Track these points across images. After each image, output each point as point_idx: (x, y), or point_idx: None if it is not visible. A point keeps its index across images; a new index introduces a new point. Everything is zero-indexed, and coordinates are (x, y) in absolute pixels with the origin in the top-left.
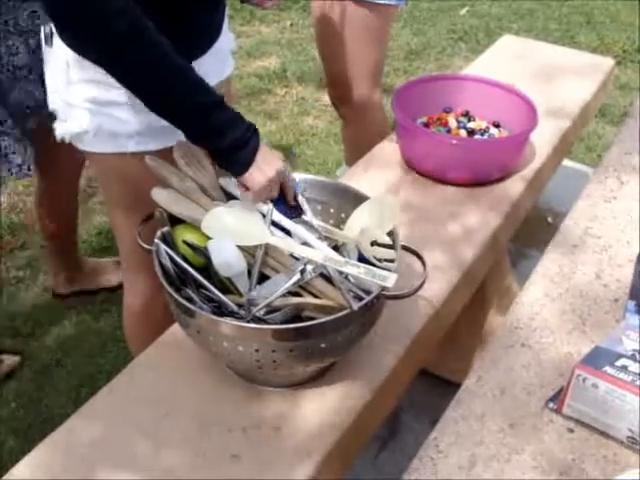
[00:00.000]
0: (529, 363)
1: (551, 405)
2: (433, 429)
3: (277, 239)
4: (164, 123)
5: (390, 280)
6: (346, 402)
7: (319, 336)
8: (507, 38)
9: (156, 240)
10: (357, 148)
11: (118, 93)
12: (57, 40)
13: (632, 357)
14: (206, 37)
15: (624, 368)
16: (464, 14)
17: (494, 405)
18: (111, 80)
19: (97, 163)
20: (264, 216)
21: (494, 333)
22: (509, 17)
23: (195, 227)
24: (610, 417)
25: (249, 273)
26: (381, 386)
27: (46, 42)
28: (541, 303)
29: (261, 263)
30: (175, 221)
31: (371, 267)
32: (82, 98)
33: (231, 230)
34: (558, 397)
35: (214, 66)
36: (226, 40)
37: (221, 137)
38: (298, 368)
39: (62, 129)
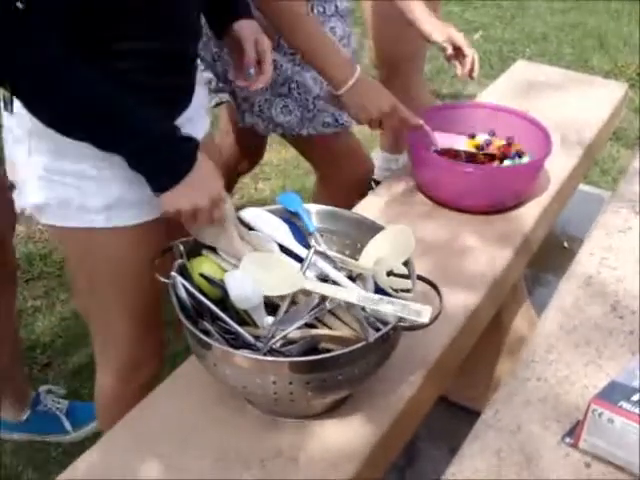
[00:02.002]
0: (545, 397)
1: (567, 440)
2: (450, 461)
3: (313, 284)
4: (137, 196)
5: (425, 315)
6: (363, 433)
7: (336, 368)
8: (520, 64)
9: (173, 273)
10: None
11: (88, 165)
12: (19, 107)
13: None
14: (175, 105)
15: None
16: (477, 39)
17: (511, 439)
18: (81, 152)
19: (61, 237)
20: (280, 246)
21: (511, 361)
22: (522, 41)
23: (211, 259)
24: (627, 452)
25: (266, 305)
26: (398, 416)
27: (5, 108)
28: (557, 336)
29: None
30: (190, 254)
31: (405, 302)
32: (45, 169)
33: (266, 280)
34: (574, 431)
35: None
36: (198, 102)
37: (139, 134)
38: (315, 400)
39: (22, 200)
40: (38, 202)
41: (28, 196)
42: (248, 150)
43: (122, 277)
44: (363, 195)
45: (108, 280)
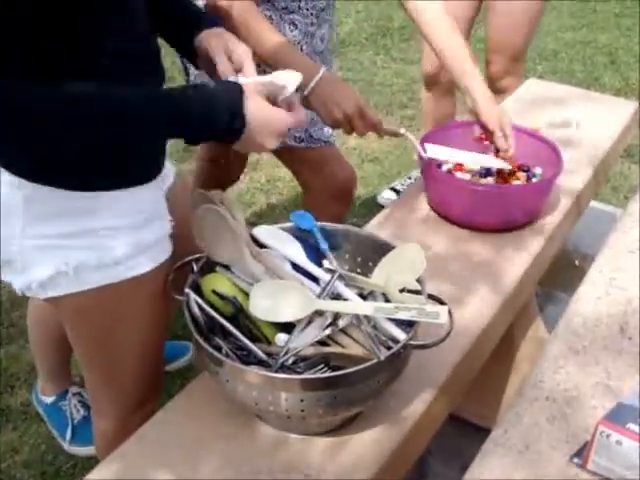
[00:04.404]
0: (554, 417)
1: (576, 460)
2: (461, 478)
3: (326, 303)
4: (153, 238)
5: (443, 316)
6: (374, 449)
7: (347, 386)
8: (532, 81)
9: (187, 289)
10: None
11: (97, 219)
12: (5, 174)
13: None
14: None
15: None
16: None
17: (519, 460)
18: (87, 207)
19: (74, 305)
20: (293, 264)
21: (522, 379)
22: (533, 59)
23: (224, 276)
24: (635, 474)
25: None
26: (409, 433)
27: None
28: (565, 356)
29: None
30: (203, 271)
31: (421, 307)
32: (49, 236)
33: (280, 306)
34: (583, 452)
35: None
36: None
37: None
38: (326, 417)
39: (24, 280)
40: (47, 275)
41: (31, 273)
42: (229, 164)
43: (141, 322)
44: (348, 204)
45: (127, 330)
